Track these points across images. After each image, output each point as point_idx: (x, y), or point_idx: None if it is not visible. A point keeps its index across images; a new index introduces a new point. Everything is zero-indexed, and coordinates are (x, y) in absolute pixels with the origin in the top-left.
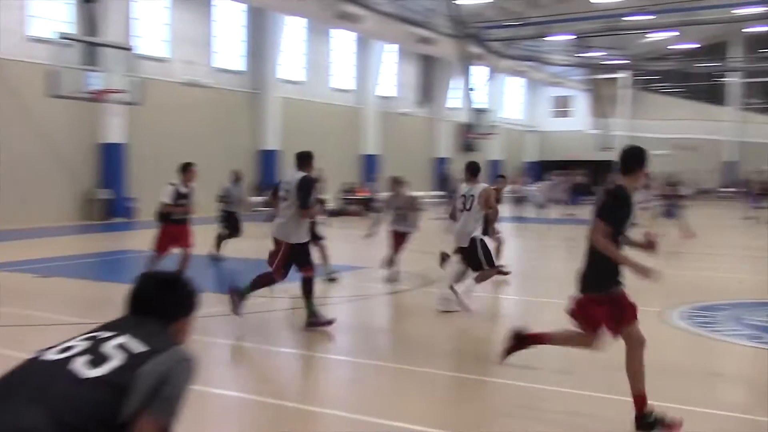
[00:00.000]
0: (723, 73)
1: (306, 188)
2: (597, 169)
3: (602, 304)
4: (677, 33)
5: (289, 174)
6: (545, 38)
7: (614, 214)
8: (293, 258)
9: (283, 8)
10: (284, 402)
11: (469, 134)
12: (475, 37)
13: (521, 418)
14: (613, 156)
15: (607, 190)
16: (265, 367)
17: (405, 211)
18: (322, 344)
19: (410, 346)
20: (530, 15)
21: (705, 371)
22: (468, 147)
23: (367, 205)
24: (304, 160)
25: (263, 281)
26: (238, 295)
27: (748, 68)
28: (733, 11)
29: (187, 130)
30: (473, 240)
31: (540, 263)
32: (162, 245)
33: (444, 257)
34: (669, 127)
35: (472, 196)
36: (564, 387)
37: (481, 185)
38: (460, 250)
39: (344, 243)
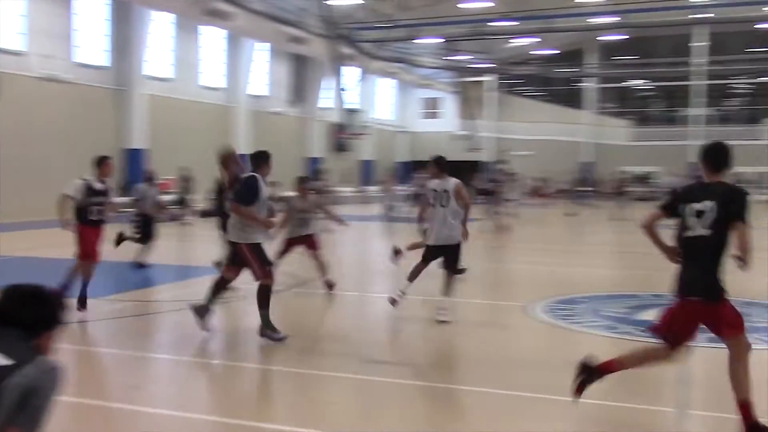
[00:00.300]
0: (580, 79)
1: (242, 185)
2: (464, 169)
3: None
4: (539, 39)
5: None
6: (415, 41)
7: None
8: (258, 255)
9: (149, 3)
10: (154, 409)
11: (341, 134)
12: (347, 38)
13: (392, 416)
14: (481, 157)
15: (736, 190)
16: (135, 374)
17: (309, 215)
18: (194, 348)
19: (279, 346)
20: (400, 17)
21: (567, 361)
22: (340, 147)
23: None
24: (257, 160)
25: (264, 295)
26: (265, 323)
27: (603, 74)
28: (588, 20)
29: (45, 127)
30: (459, 245)
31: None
32: (87, 250)
33: (397, 252)
34: (532, 129)
35: (446, 191)
36: (441, 382)
37: (453, 180)
38: (436, 249)
39: (215, 244)
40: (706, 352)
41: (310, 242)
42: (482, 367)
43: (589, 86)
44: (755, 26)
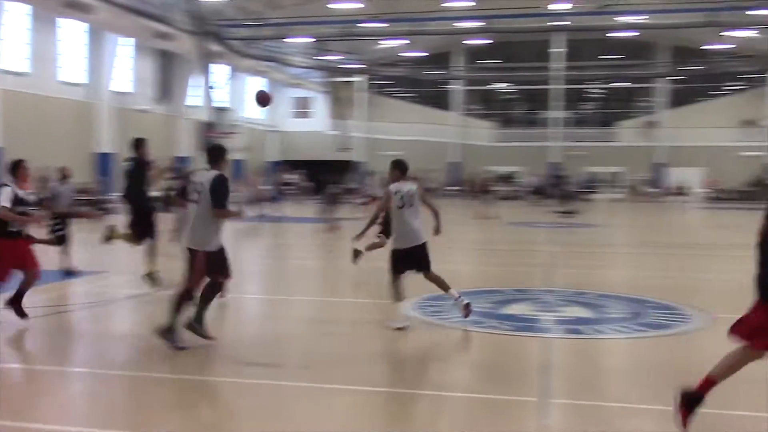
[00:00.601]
0: (448, 81)
1: (221, 188)
2: (335, 169)
3: None
4: (408, 41)
5: (201, 173)
6: (285, 40)
7: None
8: (211, 267)
9: None
10: (25, 423)
11: (210, 133)
12: (215, 35)
13: (262, 418)
14: (351, 156)
15: None
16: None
17: None
18: (59, 356)
19: (150, 352)
20: (270, 16)
21: (437, 357)
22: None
23: (100, 207)
24: (217, 155)
25: (183, 300)
26: (169, 327)
27: (469, 77)
28: (455, 24)
29: None
30: (426, 243)
31: (274, 262)
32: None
33: (357, 253)
34: (402, 130)
35: (410, 191)
36: (305, 381)
37: (413, 182)
38: (406, 252)
39: (78, 247)
40: (562, 342)
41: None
42: (359, 366)
43: (456, 88)
44: (607, 35)
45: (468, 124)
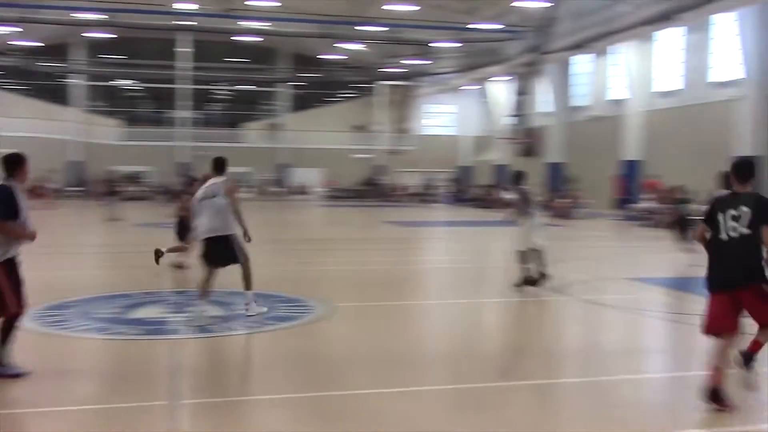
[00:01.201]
0: (66, 74)
1: (3, 197)
2: None
3: None
4: (19, 29)
5: None
6: None
7: None
8: (9, 277)
9: None
10: None
11: None
12: None
13: None
14: None
15: (763, 198)
16: None
17: None
18: None
19: None
20: None
21: (57, 369)
22: None
23: None
24: (11, 164)
25: (9, 327)
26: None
27: (90, 72)
28: (72, 14)
29: None
30: (231, 236)
31: None
32: None
33: (158, 254)
34: (13, 125)
35: (214, 183)
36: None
37: (225, 177)
38: (206, 242)
39: None
40: (193, 342)
41: None
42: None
43: (77, 83)
44: (232, 38)
45: (91, 122)
